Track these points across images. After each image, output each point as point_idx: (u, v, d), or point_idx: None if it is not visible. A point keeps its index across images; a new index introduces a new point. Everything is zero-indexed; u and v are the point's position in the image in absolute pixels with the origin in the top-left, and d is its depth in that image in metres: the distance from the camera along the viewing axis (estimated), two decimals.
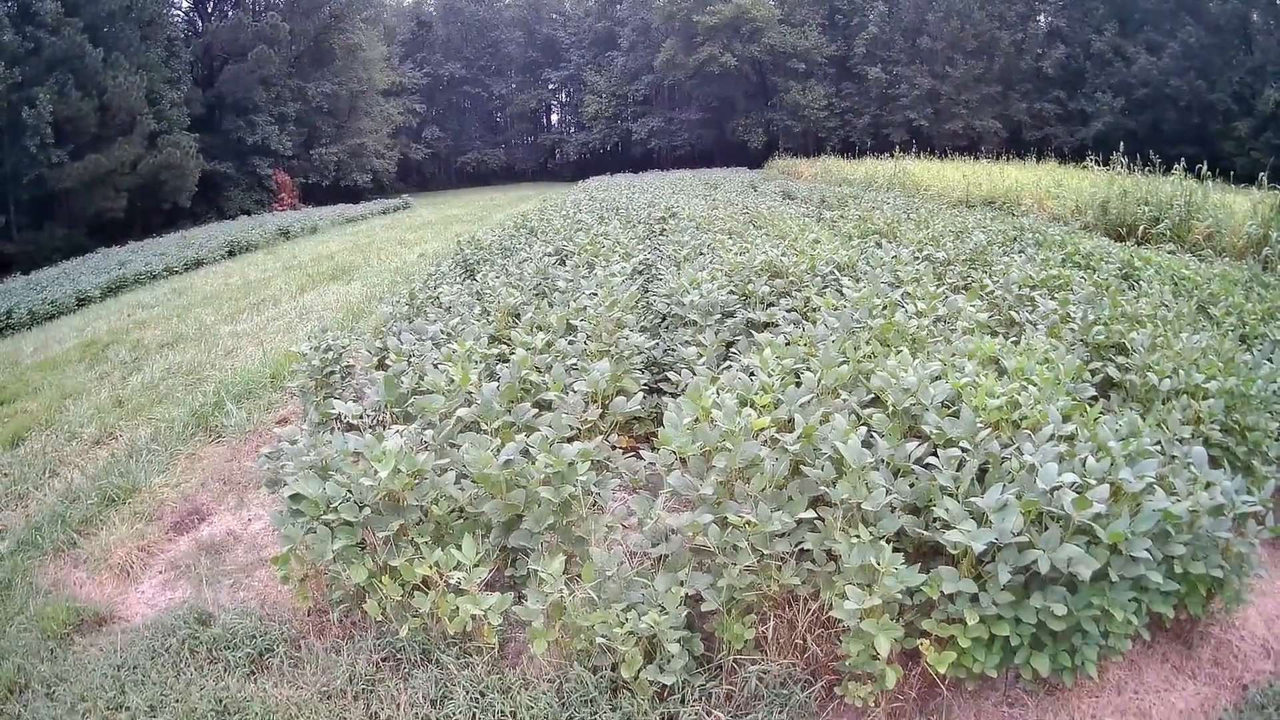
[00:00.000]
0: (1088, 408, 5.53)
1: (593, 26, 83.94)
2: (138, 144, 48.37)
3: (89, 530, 7.66)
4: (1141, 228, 17.85)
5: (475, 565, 4.65)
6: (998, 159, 38.04)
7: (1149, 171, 21.12)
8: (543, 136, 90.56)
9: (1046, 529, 4.34)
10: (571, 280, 10.37)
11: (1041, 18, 66.93)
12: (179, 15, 64.87)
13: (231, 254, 32.44)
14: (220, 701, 4.96)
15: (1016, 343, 7.09)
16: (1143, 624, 4.51)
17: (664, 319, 9.31)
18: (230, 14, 64.67)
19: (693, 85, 72.02)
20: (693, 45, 69.79)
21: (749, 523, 4.41)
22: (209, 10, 67.31)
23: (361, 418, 6.55)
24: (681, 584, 4.51)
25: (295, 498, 5.24)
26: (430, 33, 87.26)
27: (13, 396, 13.59)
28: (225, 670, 5.21)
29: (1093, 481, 4.52)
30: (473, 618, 4.75)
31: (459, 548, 4.70)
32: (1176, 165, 19.60)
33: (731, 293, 9.01)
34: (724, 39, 68.05)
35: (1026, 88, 63.76)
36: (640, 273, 11.43)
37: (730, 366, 6.78)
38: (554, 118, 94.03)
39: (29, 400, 13.11)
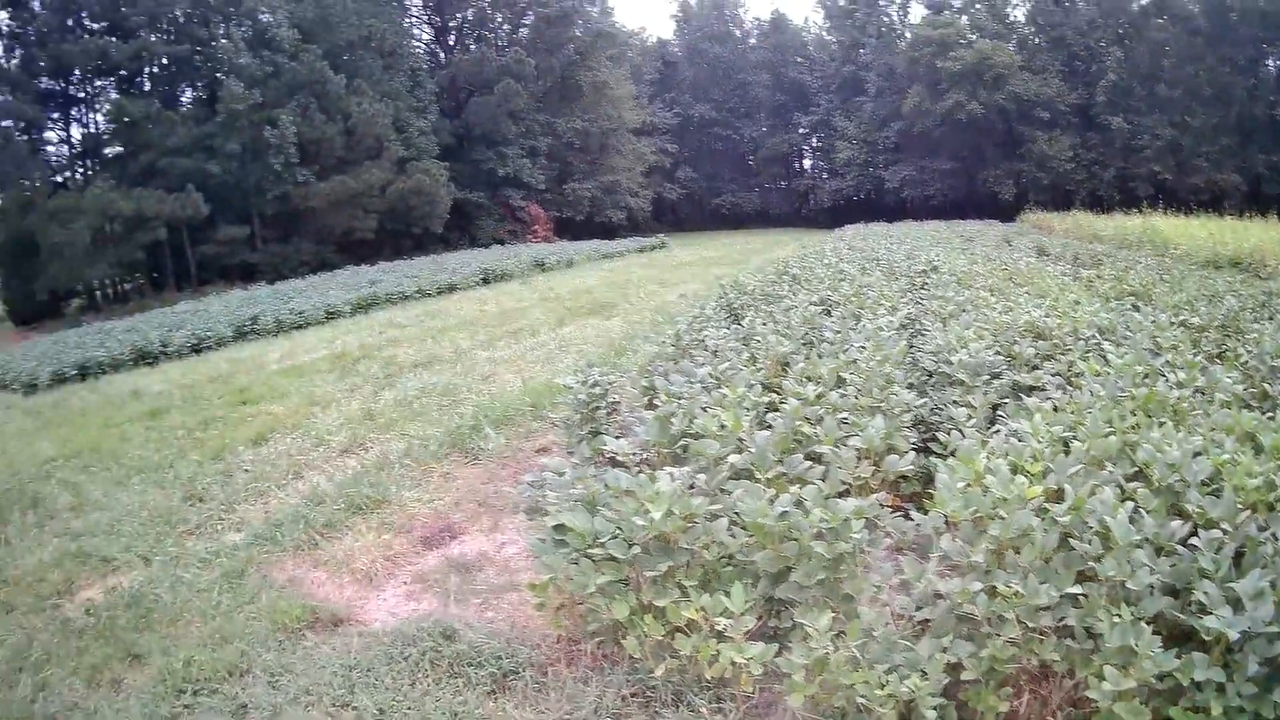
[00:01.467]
0: None
1: (838, 70, 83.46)
2: (386, 168, 52.08)
3: (332, 534, 8.14)
4: None
5: (742, 613, 4.71)
6: (1241, 215, 37.20)
7: None
8: (796, 181, 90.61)
9: None
10: (839, 332, 10.42)
11: (1270, 61, 64.72)
12: (420, 47, 69.02)
13: (486, 281, 34.00)
14: (456, 715, 5.15)
15: (1272, 418, 6.69)
16: None
17: (930, 376, 9.23)
18: (473, 48, 68.40)
19: (941, 134, 70.82)
20: (938, 92, 69.07)
21: (1017, 593, 4.40)
22: (451, 44, 71.44)
23: (631, 456, 6.66)
24: (944, 650, 4.49)
25: (560, 528, 5.43)
26: (677, 73, 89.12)
27: (258, 398, 14.62)
28: (465, 686, 5.39)
29: None
30: (733, 664, 4.80)
31: (726, 594, 4.78)
32: None
33: (997, 353, 8.91)
34: (968, 86, 67.05)
35: (1264, 138, 61.21)
36: (904, 327, 11.35)
37: (998, 430, 6.73)
38: (806, 162, 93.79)
39: (274, 404, 14.04)
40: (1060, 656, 4.46)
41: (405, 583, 7.14)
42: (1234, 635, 4.05)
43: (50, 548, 8.70)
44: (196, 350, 22.91)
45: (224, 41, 48.84)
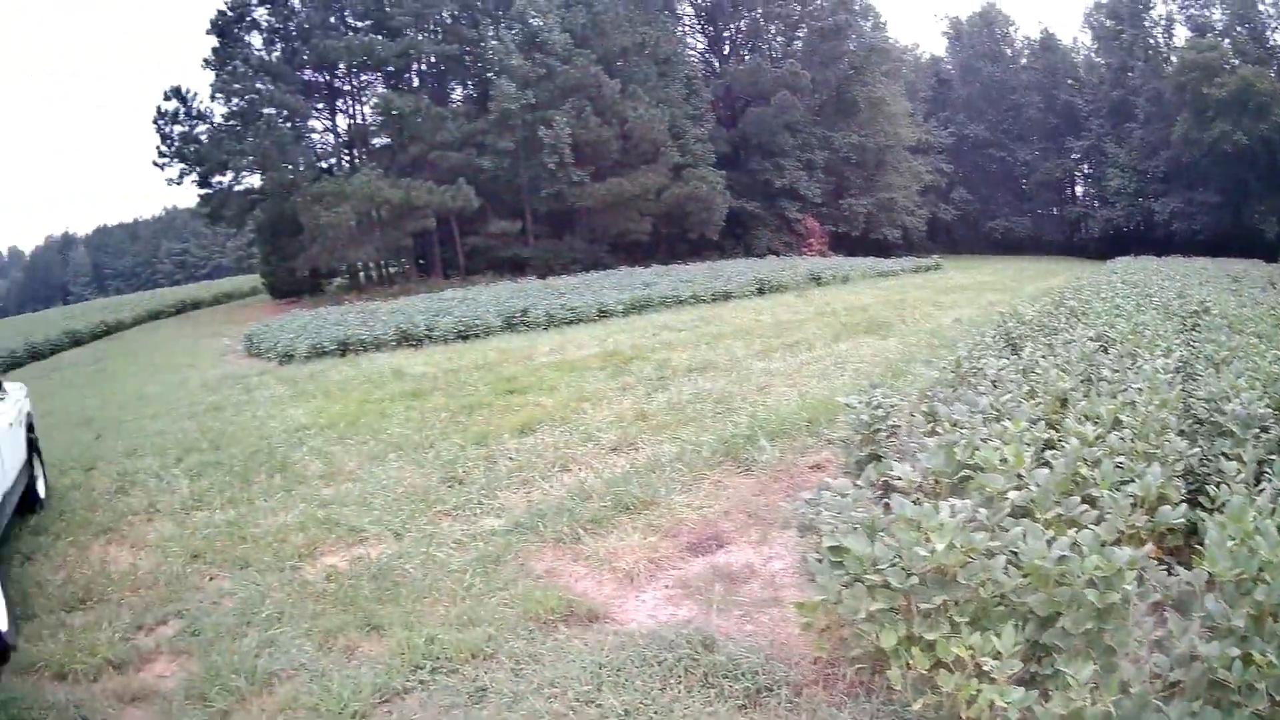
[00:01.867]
0: None
1: (1108, 94, 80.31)
2: (662, 173, 52.95)
3: (596, 530, 8.04)
4: None
5: (1010, 655, 4.58)
6: None
7: None
8: (1067, 208, 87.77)
9: None
10: (1117, 371, 10.12)
11: None
12: (694, 56, 70.07)
13: (761, 292, 34.09)
14: None
15: None
16: None
17: (1200, 424, 8.75)
18: (748, 58, 68.92)
19: (1207, 165, 67.74)
20: (1204, 120, 65.95)
21: (1270, 663, 4.21)
22: (725, 53, 72.14)
23: (913, 483, 6.42)
24: (1193, 715, 4.27)
25: (836, 550, 5.31)
26: (950, 91, 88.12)
27: (525, 388, 14.87)
28: (717, 697, 5.25)
29: None
30: (991, 706, 4.64)
31: (996, 634, 4.66)
32: None
33: (1267, 405, 8.37)
34: (1233, 115, 63.86)
35: None
36: (1177, 370, 10.79)
37: (1263, 488, 6.32)
38: (1078, 189, 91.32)
39: (543, 395, 14.26)
40: None
41: (667, 586, 6.97)
42: None
43: (295, 511, 8.96)
44: (462, 337, 23.63)
45: (494, 43, 50.62)
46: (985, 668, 4.59)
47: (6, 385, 10.30)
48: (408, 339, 23.11)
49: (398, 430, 12.31)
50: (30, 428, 10.66)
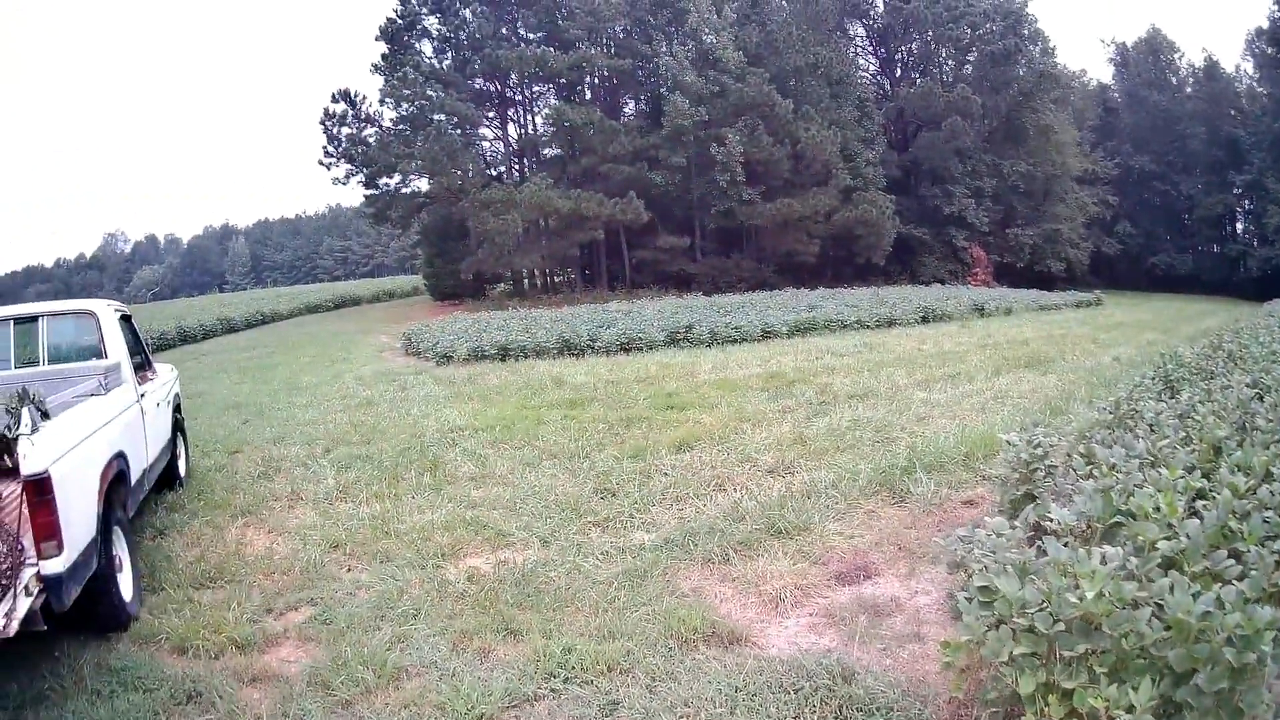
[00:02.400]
0: None
1: (1270, 126, 77.00)
2: (832, 195, 52.94)
3: (746, 552, 7.97)
4: None
5: (1144, 710, 4.45)
6: None
7: None
8: (1227, 246, 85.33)
9: None
10: (1272, 420, 9.66)
11: None
12: (866, 77, 69.92)
13: (925, 320, 34.07)
14: None
15: None
16: None
17: None
18: (919, 81, 68.35)
19: None
20: None
21: None
22: (898, 75, 71.90)
23: (1068, 527, 6.29)
24: None
25: (985, 590, 5.28)
26: (1118, 120, 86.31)
27: (684, 405, 14.91)
28: None
29: None
30: None
31: (1133, 687, 4.55)
32: None
33: None
34: None
35: None
36: None
37: None
38: (1238, 226, 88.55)
39: (702, 413, 14.25)
40: None
41: (811, 614, 6.86)
42: None
43: (443, 511, 9.10)
44: (624, 350, 23.84)
45: (667, 58, 51.11)
46: None
47: (157, 366, 10.68)
48: (570, 348, 23.38)
49: (553, 438, 12.40)
50: (177, 409, 11.15)
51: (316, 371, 21.35)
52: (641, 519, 8.96)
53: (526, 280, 53.69)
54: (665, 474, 10.48)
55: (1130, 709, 4.40)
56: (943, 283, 55.26)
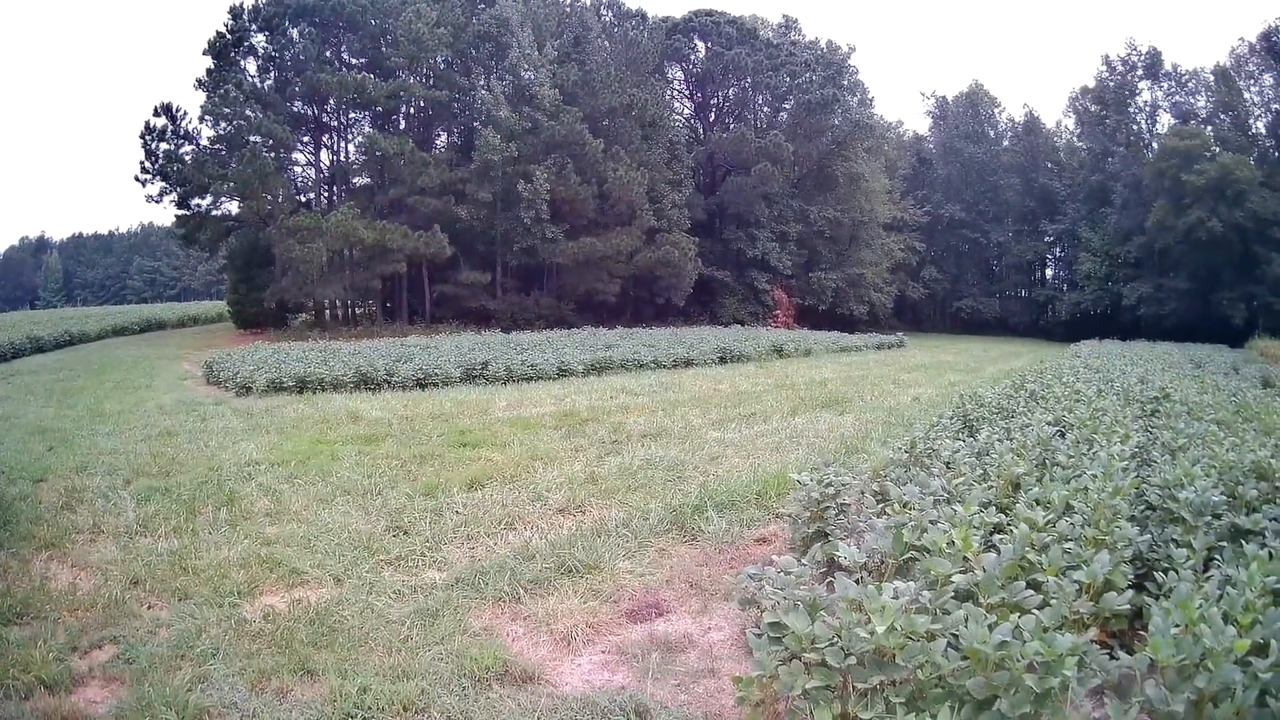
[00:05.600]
0: None
1: (1086, 179, 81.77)
2: (636, 236, 53.77)
3: (537, 591, 8.06)
4: None
5: None
6: None
7: None
8: (1036, 291, 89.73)
9: None
10: (1073, 456, 10.27)
11: None
12: (680, 120, 71.11)
13: (723, 360, 34.37)
14: None
15: None
16: None
17: (1153, 510, 8.95)
18: (732, 126, 70.11)
19: (1181, 251, 68.93)
20: (1181, 207, 67.19)
21: None
22: (712, 120, 73.31)
23: (860, 563, 6.47)
24: None
25: (777, 626, 5.36)
26: (931, 170, 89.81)
27: (478, 442, 14.85)
28: None
29: None
30: None
31: (932, 715, 4.76)
32: None
33: (1222, 493, 8.59)
34: (1210, 202, 65.00)
35: None
36: (1134, 456, 11.07)
37: (1211, 575, 6.64)
38: (1049, 272, 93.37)
39: (495, 451, 14.23)
40: None
41: (604, 652, 6.98)
42: None
43: (239, 548, 8.95)
44: (421, 385, 23.62)
45: (484, 93, 51.33)
46: None
47: None
48: (366, 382, 23.10)
49: (347, 474, 12.26)
50: None
51: (120, 398, 20.67)
52: (433, 557, 8.99)
53: (328, 311, 52.69)
54: (457, 512, 10.50)
55: None
56: (743, 324, 56.58)
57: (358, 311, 54.08)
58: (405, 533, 9.70)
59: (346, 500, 10.92)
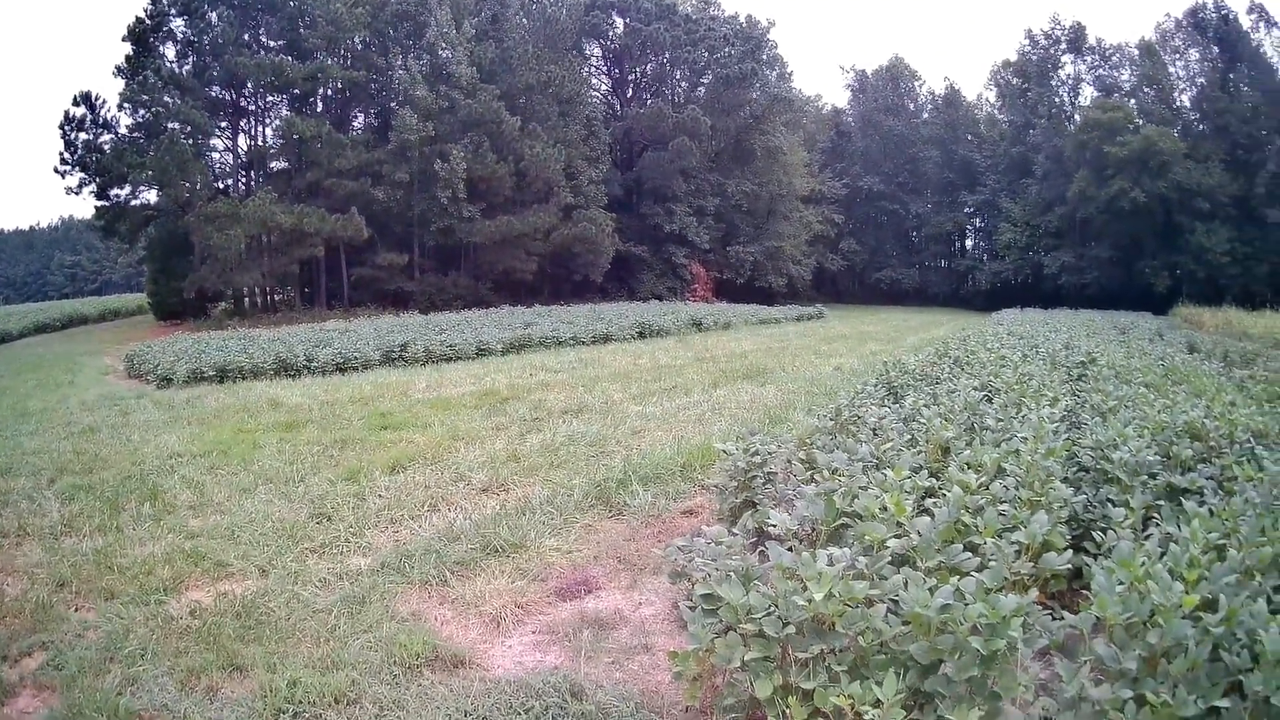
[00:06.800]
0: None
1: (1007, 151, 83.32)
2: (553, 213, 53.61)
3: (464, 573, 8.00)
4: None
5: (891, 704, 4.54)
6: None
7: None
8: (956, 261, 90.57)
9: None
10: (1001, 420, 10.38)
11: None
12: (597, 97, 70.90)
13: (642, 336, 34.59)
14: None
15: None
16: None
17: (1086, 471, 9.00)
18: (650, 102, 70.13)
19: (1103, 221, 70.26)
20: (1103, 178, 68.57)
21: (1165, 703, 4.40)
22: (629, 96, 73.05)
23: (790, 531, 6.42)
24: None
25: (710, 598, 5.29)
26: (849, 143, 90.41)
27: (399, 425, 14.72)
28: None
29: None
30: None
31: (877, 682, 4.65)
32: None
33: (1156, 453, 8.73)
34: (1133, 173, 66.44)
35: None
36: (1063, 419, 11.15)
37: (1150, 534, 6.64)
38: (968, 242, 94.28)
39: (416, 433, 14.10)
40: None
41: (534, 632, 6.94)
42: None
43: (164, 543, 8.78)
44: (341, 370, 23.45)
45: (401, 72, 51.00)
46: (866, 717, 4.55)
47: None
48: (286, 369, 22.90)
49: (269, 462, 12.10)
50: None
51: (43, 396, 20.24)
52: (358, 543, 8.87)
53: (248, 299, 51.77)
54: (380, 496, 10.42)
55: (876, 704, 4.49)
56: (661, 299, 56.65)
57: (276, 298, 53.32)
58: (329, 519, 9.56)
59: (269, 489, 10.75)
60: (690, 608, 5.47)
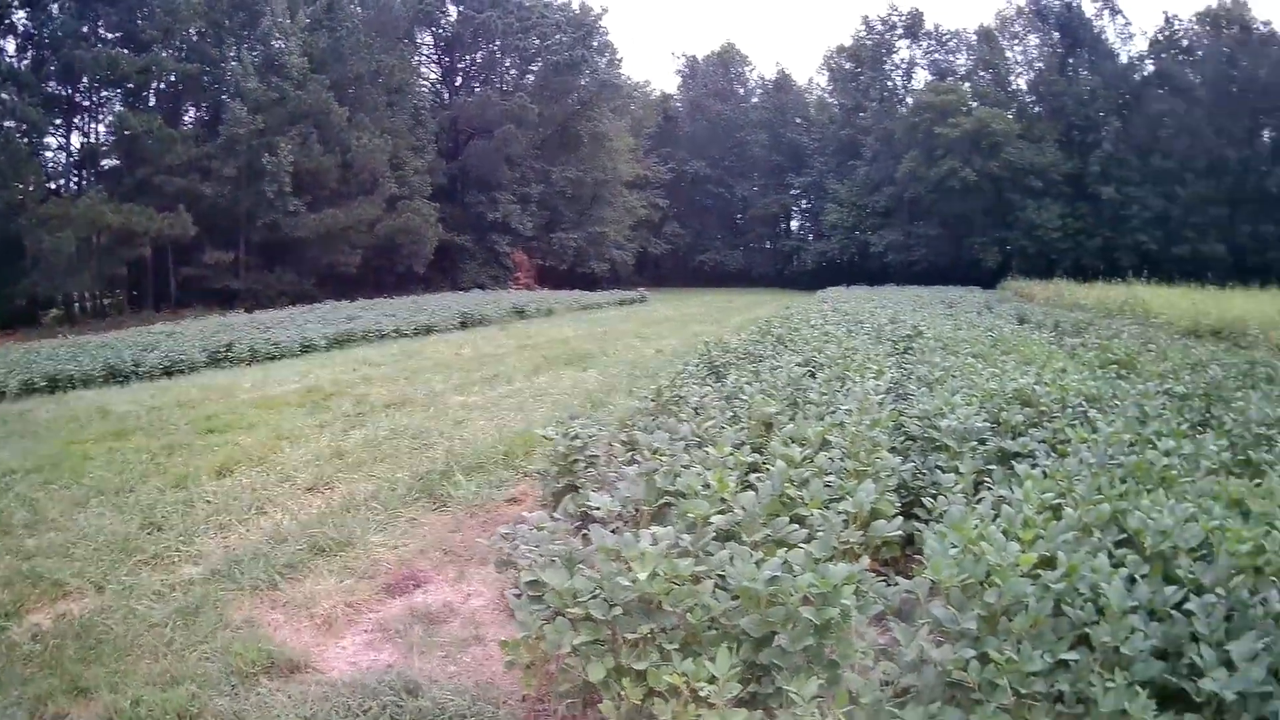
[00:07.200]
0: None
1: (836, 134, 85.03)
2: (378, 205, 52.83)
3: (294, 576, 7.95)
4: None
5: (726, 679, 4.54)
6: (1223, 285, 38.69)
7: None
8: (781, 242, 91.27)
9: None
10: (825, 394, 10.57)
11: (1265, 133, 67.11)
12: (426, 86, 70.11)
13: (464, 325, 34.49)
14: None
15: (1259, 484, 6.82)
16: None
17: (914, 440, 9.29)
18: (478, 90, 69.80)
19: (932, 200, 72.31)
20: (934, 158, 70.51)
21: (1009, 660, 4.46)
22: (457, 84, 72.43)
23: (612, 513, 6.50)
24: (933, 717, 4.44)
25: (535, 584, 5.34)
26: (677, 128, 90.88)
27: (225, 427, 14.44)
28: None
29: None
30: None
31: (710, 658, 4.63)
32: None
33: (985, 419, 8.99)
34: (964, 152, 68.48)
35: (1251, 208, 64.67)
36: (889, 391, 11.47)
37: (982, 497, 6.77)
38: (794, 224, 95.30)
39: (242, 434, 13.86)
40: None
41: (366, 631, 6.99)
42: (1230, 696, 4.25)
43: (1, 565, 8.49)
44: (168, 373, 22.74)
45: (234, 64, 49.09)
46: (702, 693, 4.56)
47: None
48: (115, 374, 22.15)
49: (100, 473, 11.75)
50: None
51: None
52: (188, 551, 8.69)
53: (78, 304, 49.73)
54: (209, 501, 10.24)
55: (711, 680, 4.51)
56: (484, 288, 56.36)
57: (106, 302, 51.18)
58: (159, 528, 9.35)
59: (100, 501, 10.45)
60: (517, 596, 5.50)
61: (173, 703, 5.68)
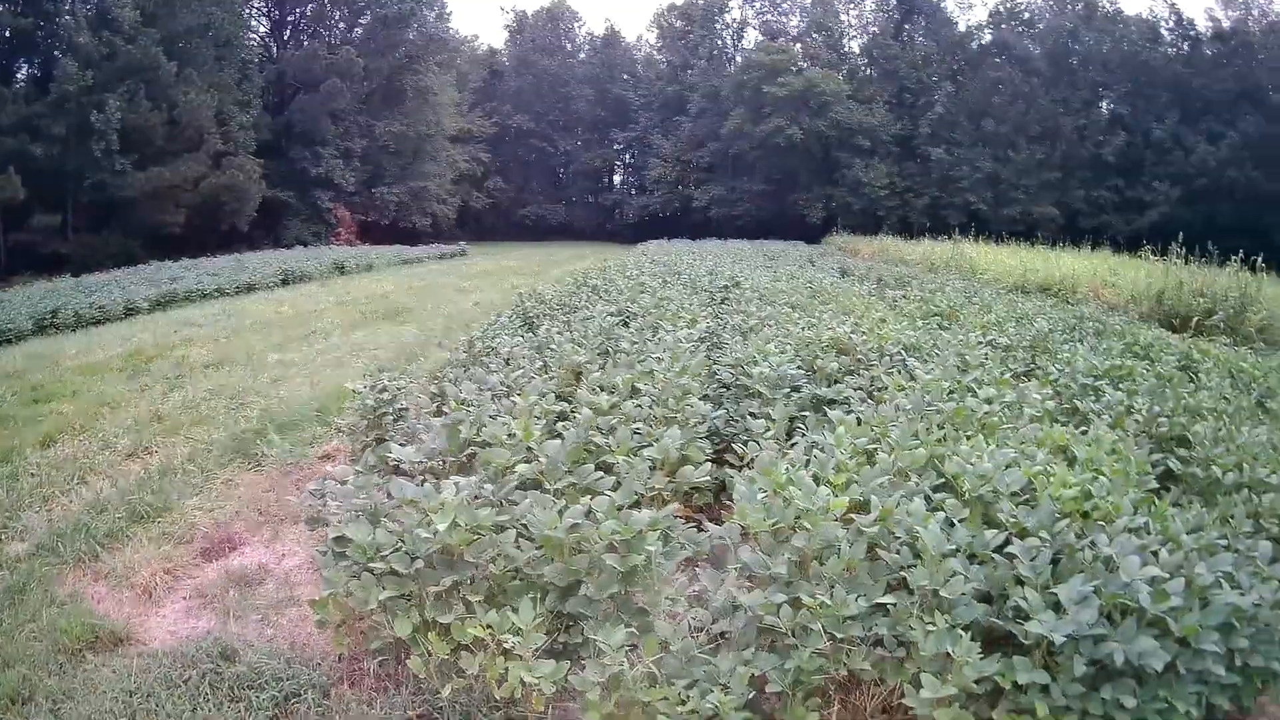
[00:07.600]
0: (1157, 501, 5.57)
1: (663, 90, 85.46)
2: (203, 162, 50.65)
3: (114, 545, 7.74)
4: (1196, 319, 18.97)
5: (531, 630, 4.54)
6: (1053, 246, 39.20)
7: (1205, 262, 22.62)
8: (604, 196, 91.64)
9: (1114, 621, 4.47)
10: (636, 343, 10.60)
11: (1104, 104, 69.58)
12: (254, 39, 67.80)
13: (285, 282, 33.64)
14: None
15: (1084, 432, 7.02)
16: (1200, 717, 4.43)
17: (727, 389, 9.31)
18: (306, 43, 67.62)
19: (757, 156, 73.20)
20: (761, 116, 71.27)
21: (823, 604, 4.45)
22: (285, 38, 70.09)
23: (417, 464, 6.53)
24: (746, 663, 4.47)
25: (341, 540, 5.28)
26: (502, 83, 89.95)
27: (49, 396, 13.88)
28: (247, 710, 5.15)
29: (1166, 575, 4.60)
30: (523, 683, 4.61)
31: (514, 609, 4.63)
32: (1232, 257, 20.80)
33: (799, 367, 9.04)
34: (791, 111, 69.48)
35: (1085, 175, 65.88)
36: (703, 340, 11.40)
37: (795, 443, 6.80)
38: (616, 178, 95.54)
39: (65, 403, 13.36)
40: (871, 666, 4.57)
41: (185, 598, 6.84)
42: (1059, 639, 4.24)
43: None
44: None
45: (67, 18, 46.76)
46: (508, 645, 4.54)
47: None
48: None
49: None
50: None
51: None
52: (15, 527, 8.32)
53: None
54: (33, 474, 9.81)
55: (516, 631, 4.48)
56: (306, 244, 54.86)
57: None
58: None
59: None
60: (322, 553, 5.46)
61: (5, 686, 5.50)
